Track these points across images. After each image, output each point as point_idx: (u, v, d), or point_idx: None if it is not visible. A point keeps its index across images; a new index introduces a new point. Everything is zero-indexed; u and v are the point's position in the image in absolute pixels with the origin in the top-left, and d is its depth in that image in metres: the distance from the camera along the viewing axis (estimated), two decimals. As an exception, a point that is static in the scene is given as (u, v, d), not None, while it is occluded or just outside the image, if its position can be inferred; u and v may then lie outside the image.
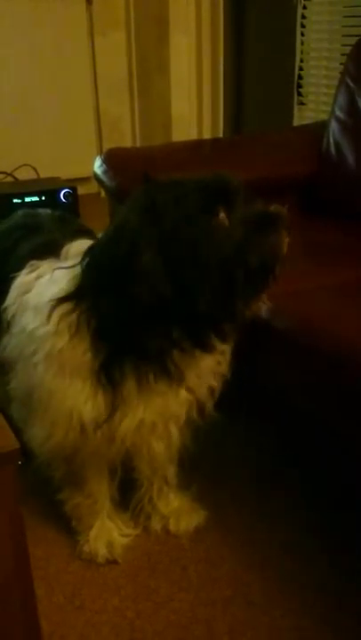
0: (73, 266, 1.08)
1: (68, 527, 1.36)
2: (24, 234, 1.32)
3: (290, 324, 1.21)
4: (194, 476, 1.51)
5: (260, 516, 1.39)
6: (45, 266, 1.18)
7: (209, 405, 1.18)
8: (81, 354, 1.05)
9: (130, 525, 1.35)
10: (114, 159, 1.77)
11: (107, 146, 3.30)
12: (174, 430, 1.17)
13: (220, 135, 3.20)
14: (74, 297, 1.05)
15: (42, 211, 1.45)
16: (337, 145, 1.82)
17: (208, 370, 1.13)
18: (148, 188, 1.03)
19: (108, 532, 1.30)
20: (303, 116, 2.68)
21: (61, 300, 1.06)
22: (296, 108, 2.70)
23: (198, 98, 3.25)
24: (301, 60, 2.66)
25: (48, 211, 1.46)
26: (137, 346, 1.02)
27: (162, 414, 1.12)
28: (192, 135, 3.25)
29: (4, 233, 1.37)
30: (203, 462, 1.57)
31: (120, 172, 1.73)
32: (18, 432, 0.86)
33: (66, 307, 1.06)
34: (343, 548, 1.29)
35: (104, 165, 1.75)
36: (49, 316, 1.07)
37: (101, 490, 1.29)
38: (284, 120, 2.73)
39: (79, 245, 1.16)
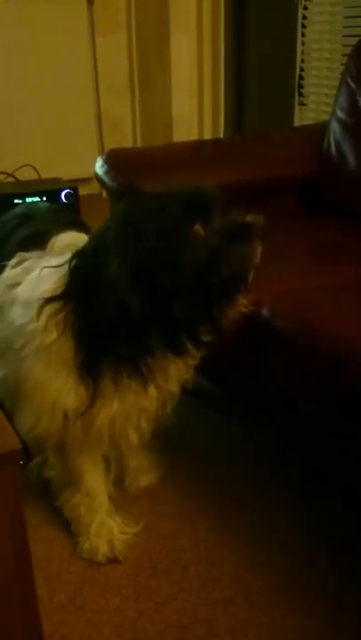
0: (60, 265, 1.13)
1: (69, 527, 1.36)
2: (18, 222, 1.37)
3: (290, 324, 1.21)
4: (195, 475, 1.52)
5: (261, 516, 1.40)
6: (32, 259, 1.24)
7: (172, 403, 1.26)
8: (66, 350, 1.12)
9: (130, 524, 1.37)
10: (115, 159, 1.77)
11: (108, 146, 3.30)
12: (144, 423, 1.24)
13: (221, 135, 3.21)
14: (61, 297, 1.10)
15: (42, 203, 1.46)
16: (338, 145, 1.82)
17: (177, 372, 1.19)
18: (131, 200, 1.09)
19: (108, 530, 1.31)
20: (304, 117, 2.68)
21: (50, 300, 1.11)
22: (297, 108, 2.71)
23: (199, 98, 3.25)
24: (302, 61, 2.66)
25: (47, 204, 1.47)
26: (111, 349, 1.09)
27: (135, 408, 1.19)
28: (193, 135, 3.25)
29: (4, 221, 1.43)
30: (202, 463, 1.57)
31: (121, 172, 1.73)
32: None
33: (54, 306, 1.11)
34: (344, 548, 1.29)
35: (105, 166, 1.75)
36: (38, 314, 1.12)
37: (98, 486, 1.33)
38: (285, 120, 2.73)
39: (64, 239, 1.24)
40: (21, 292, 1.20)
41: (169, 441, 1.67)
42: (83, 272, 1.08)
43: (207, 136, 3.25)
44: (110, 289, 1.03)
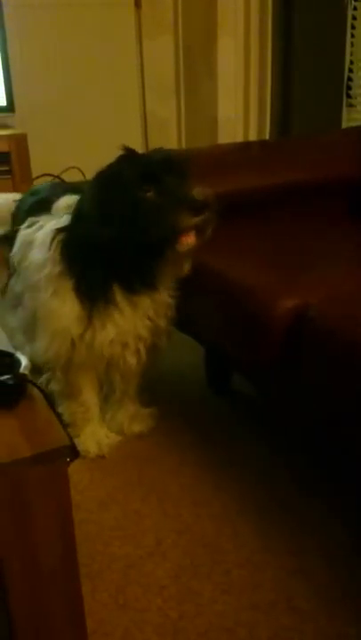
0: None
1: (112, 525, 1.37)
2: (27, 198, 1.73)
3: (337, 326, 1.19)
4: (237, 477, 1.51)
5: (303, 521, 1.38)
6: (41, 221, 1.54)
7: (166, 331, 1.55)
8: (67, 279, 1.42)
9: (113, 431, 1.69)
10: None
11: (153, 147, 3.32)
12: (142, 348, 1.53)
13: (267, 138, 3.18)
14: (66, 228, 1.42)
15: (45, 182, 2.00)
16: (387, 146, 1.79)
17: (163, 304, 1.50)
18: (111, 164, 1.37)
19: (96, 434, 1.64)
20: (352, 118, 2.64)
21: (59, 230, 1.43)
22: (345, 109, 2.67)
23: (245, 100, 3.24)
24: (351, 62, 2.63)
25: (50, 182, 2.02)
26: (92, 275, 1.40)
27: (131, 335, 1.49)
28: (238, 137, 3.24)
29: (20, 201, 1.78)
30: (243, 465, 1.56)
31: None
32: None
33: (62, 236, 1.42)
34: (390, 557, 1.26)
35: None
36: (50, 244, 1.44)
37: (92, 399, 1.64)
38: (333, 122, 2.69)
39: (64, 201, 1.54)
40: (38, 237, 1.51)
41: (211, 439, 1.67)
42: (74, 213, 1.42)
43: (252, 138, 3.23)
44: (85, 221, 1.37)
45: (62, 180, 3.10)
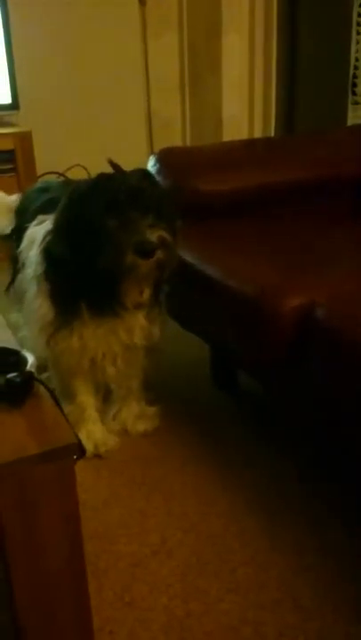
0: None
1: (119, 523, 1.37)
2: (37, 196, 1.74)
3: (344, 325, 1.18)
4: (242, 475, 1.51)
5: (310, 520, 1.37)
6: (50, 219, 1.53)
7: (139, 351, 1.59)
8: (45, 282, 1.48)
9: (111, 432, 1.69)
10: (167, 158, 1.77)
11: (157, 146, 3.31)
12: (119, 360, 1.57)
13: (272, 135, 3.18)
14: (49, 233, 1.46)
15: (53, 180, 2.06)
16: (393, 144, 1.78)
17: (136, 326, 1.51)
18: (88, 183, 1.41)
19: (93, 434, 1.64)
20: (357, 116, 2.64)
21: (48, 233, 1.47)
22: (350, 107, 2.66)
23: (250, 98, 3.24)
24: (356, 59, 2.62)
25: (58, 179, 2.01)
26: (59, 286, 1.46)
27: (100, 350, 1.53)
28: (243, 135, 3.24)
29: (26, 197, 1.83)
30: (250, 463, 1.56)
31: (173, 171, 1.73)
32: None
33: (47, 239, 1.46)
34: None
35: (158, 164, 1.75)
36: (40, 244, 1.49)
37: (88, 402, 1.66)
38: (338, 120, 2.69)
39: None
40: (39, 236, 1.53)
41: (217, 438, 1.66)
42: (53, 225, 1.46)
43: (257, 136, 3.22)
44: (54, 239, 1.43)
45: (66, 178, 3.10)
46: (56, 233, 1.43)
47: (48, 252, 1.46)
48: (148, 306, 1.50)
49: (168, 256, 1.37)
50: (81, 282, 1.41)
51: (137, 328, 1.52)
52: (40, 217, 1.61)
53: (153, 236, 1.32)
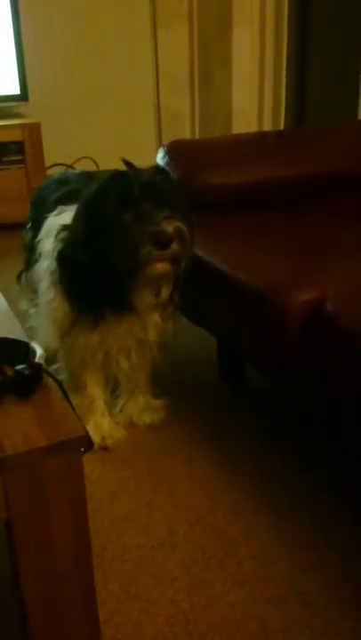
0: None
1: (124, 516, 1.37)
2: (56, 186, 1.74)
3: (354, 321, 1.18)
4: (250, 471, 1.51)
5: (318, 516, 1.37)
6: (70, 210, 1.52)
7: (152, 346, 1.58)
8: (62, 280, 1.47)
9: (118, 424, 1.69)
10: (177, 151, 1.76)
11: (166, 139, 3.30)
12: (134, 354, 1.57)
13: (281, 128, 3.16)
14: (65, 228, 1.45)
15: (72, 171, 2.04)
16: None
17: (151, 324, 1.51)
18: (102, 181, 1.39)
19: (100, 426, 1.65)
20: (369, 109, 2.62)
21: (64, 227, 1.46)
22: (361, 101, 2.64)
23: (260, 91, 3.22)
24: (368, 52, 2.60)
25: (77, 170, 1.94)
26: (76, 286, 1.45)
27: (116, 345, 1.54)
28: (252, 128, 3.22)
29: (43, 187, 1.83)
30: (257, 458, 1.56)
31: (182, 163, 1.72)
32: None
33: (63, 234, 1.46)
34: None
35: (167, 157, 1.75)
36: (55, 238, 1.48)
37: (97, 394, 1.66)
38: (349, 113, 2.67)
39: None
40: (54, 227, 1.53)
41: (223, 432, 1.66)
42: (69, 225, 1.45)
43: (267, 129, 3.21)
44: (71, 239, 1.43)
45: (74, 170, 3.09)
46: (74, 233, 1.42)
47: (63, 255, 1.45)
48: (165, 305, 1.49)
49: (184, 249, 1.35)
50: (97, 282, 1.40)
51: (151, 325, 1.52)
52: (60, 207, 1.60)
53: (169, 227, 1.31)
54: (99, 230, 1.35)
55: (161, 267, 1.34)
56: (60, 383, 0.91)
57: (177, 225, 1.32)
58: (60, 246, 1.46)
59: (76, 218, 1.43)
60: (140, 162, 1.46)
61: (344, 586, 1.20)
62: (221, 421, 1.73)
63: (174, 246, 1.33)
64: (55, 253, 1.47)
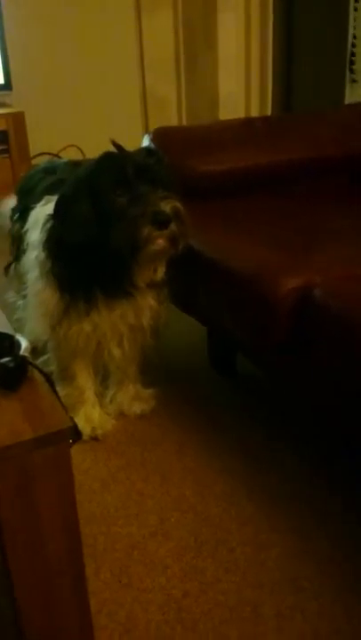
0: None
1: (115, 506, 1.37)
2: (43, 176, 1.72)
3: (342, 306, 1.17)
4: (242, 458, 1.51)
5: (310, 502, 1.38)
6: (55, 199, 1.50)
7: (153, 329, 1.57)
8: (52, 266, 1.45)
9: (108, 414, 1.69)
10: (162, 137, 1.75)
11: (152, 126, 3.28)
12: (126, 342, 1.56)
13: (269, 114, 3.14)
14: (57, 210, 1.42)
15: (58, 160, 1.93)
16: (391, 122, 1.76)
17: (145, 307, 1.51)
18: (93, 162, 1.38)
19: (91, 418, 1.64)
20: (355, 94, 2.60)
21: (50, 216, 1.44)
22: (348, 85, 2.63)
23: (246, 76, 3.19)
24: (354, 37, 2.58)
25: (64, 159, 1.90)
26: (68, 272, 1.43)
27: (109, 332, 1.52)
28: (239, 114, 3.21)
29: (29, 176, 1.81)
30: (250, 446, 1.56)
31: (168, 150, 1.71)
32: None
33: (51, 223, 1.43)
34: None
35: (152, 144, 1.73)
36: (42, 227, 1.47)
37: (87, 384, 1.66)
38: (336, 98, 2.66)
39: None
40: (41, 217, 1.51)
41: (214, 421, 1.66)
42: (54, 209, 1.42)
43: (254, 114, 3.19)
44: (61, 221, 1.39)
45: (60, 159, 3.07)
46: (61, 218, 1.40)
47: (52, 239, 1.44)
48: (157, 285, 1.49)
49: (182, 229, 1.35)
50: (92, 266, 1.39)
51: (146, 309, 1.52)
52: (47, 197, 1.59)
53: (167, 207, 1.30)
54: (91, 211, 1.34)
55: (162, 242, 1.34)
56: (46, 375, 0.90)
57: (174, 205, 1.32)
58: (49, 227, 1.45)
59: (63, 201, 1.40)
60: (127, 148, 1.44)
61: (337, 570, 1.21)
62: (212, 409, 1.73)
63: (173, 226, 1.32)
64: (45, 234, 1.46)
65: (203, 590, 1.18)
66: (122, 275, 1.39)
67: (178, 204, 1.33)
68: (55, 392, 0.89)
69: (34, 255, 1.53)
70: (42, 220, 1.50)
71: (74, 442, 0.84)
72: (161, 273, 1.44)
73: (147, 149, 1.45)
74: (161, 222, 1.30)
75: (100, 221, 1.33)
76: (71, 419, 0.84)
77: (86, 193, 1.35)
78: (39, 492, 0.82)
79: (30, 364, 0.89)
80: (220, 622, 1.11)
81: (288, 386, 1.52)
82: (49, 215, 1.45)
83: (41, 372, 0.90)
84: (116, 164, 1.35)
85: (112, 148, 1.40)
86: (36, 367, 0.90)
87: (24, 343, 0.89)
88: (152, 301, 1.52)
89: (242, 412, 1.71)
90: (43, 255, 1.47)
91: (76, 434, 0.85)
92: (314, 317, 1.19)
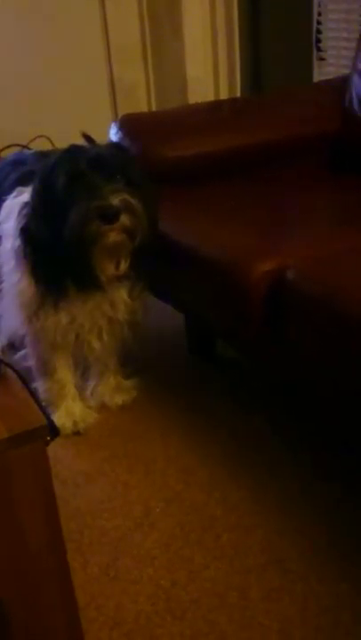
0: None
1: (100, 499, 1.37)
2: (13, 168, 1.67)
3: (315, 288, 1.17)
4: (225, 443, 1.51)
5: (293, 484, 1.38)
6: (29, 191, 1.47)
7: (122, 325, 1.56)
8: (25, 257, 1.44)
9: (90, 407, 1.68)
10: (130, 125, 1.73)
11: (122, 112, 3.24)
12: (105, 335, 1.55)
13: (238, 96, 3.12)
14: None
15: (28, 151, 1.89)
16: (360, 99, 1.75)
17: (119, 301, 1.49)
18: (56, 156, 1.38)
19: (72, 412, 1.63)
20: (324, 72, 2.59)
21: (25, 204, 1.42)
22: (316, 63, 2.61)
23: (214, 59, 3.16)
24: (319, 14, 2.56)
25: (33, 150, 1.88)
26: (41, 264, 1.41)
27: (87, 324, 1.51)
28: (209, 97, 3.17)
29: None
30: (232, 431, 1.56)
31: (136, 137, 1.69)
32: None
33: (25, 211, 1.42)
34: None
35: (120, 132, 1.71)
36: (17, 217, 1.44)
37: (67, 378, 1.64)
38: (305, 76, 2.64)
39: None
40: (15, 207, 1.48)
41: (196, 407, 1.66)
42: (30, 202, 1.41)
43: (223, 97, 3.17)
44: (31, 215, 1.40)
45: (30, 150, 3.02)
46: (31, 209, 1.40)
47: (26, 230, 1.42)
48: (129, 280, 1.47)
49: (135, 222, 1.33)
50: (59, 257, 1.37)
51: (120, 303, 1.51)
52: (19, 188, 1.56)
53: (115, 200, 1.28)
54: (51, 203, 1.34)
55: (114, 236, 1.33)
56: (19, 373, 0.88)
57: (124, 198, 1.30)
58: (23, 215, 1.44)
59: (32, 194, 1.41)
60: (98, 137, 1.43)
61: (323, 551, 1.21)
62: (194, 396, 1.73)
63: (124, 219, 1.31)
64: (20, 224, 1.44)
65: (191, 579, 1.18)
66: (82, 268, 1.38)
67: (128, 197, 1.31)
68: (29, 389, 0.87)
69: (9, 245, 1.51)
70: (16, 210, 1.48)
71: (52, 439, 0.83)
72: (124, 266, 1.41)
73: (111, 142, 1.46)
74: (107, 217, 1.29)
75: (57, 215, 1.32)
76: (49, 416, 0.83)
77: (45, 187, 1.36)
78: (17, 490, 0.81)
79: (2, 361, 0.87)
80: (209, 609, 1.11)
81: (266, 367, 1.52)
82: (24, 203, 1.44)
83: (14, 369, 0.89)
84: (73, 157, 1.34)
85: (81, 138, 1.38)
86: (9, 365, 0.89)
87: (-5, 342, 0.87)
88: (125, 296, 1.50)
89: (223, 396, 1.71)
90: (18, 242, 1.45)
91: (52, 430, 0.84)
92: (287, 299, 1.18)
